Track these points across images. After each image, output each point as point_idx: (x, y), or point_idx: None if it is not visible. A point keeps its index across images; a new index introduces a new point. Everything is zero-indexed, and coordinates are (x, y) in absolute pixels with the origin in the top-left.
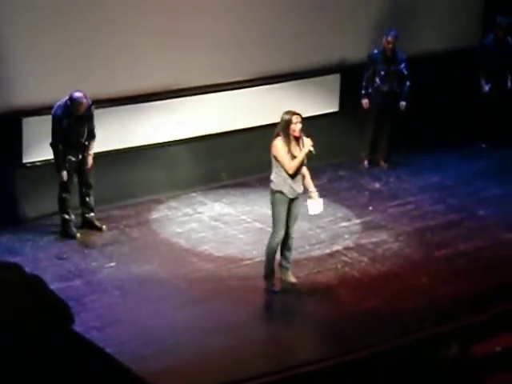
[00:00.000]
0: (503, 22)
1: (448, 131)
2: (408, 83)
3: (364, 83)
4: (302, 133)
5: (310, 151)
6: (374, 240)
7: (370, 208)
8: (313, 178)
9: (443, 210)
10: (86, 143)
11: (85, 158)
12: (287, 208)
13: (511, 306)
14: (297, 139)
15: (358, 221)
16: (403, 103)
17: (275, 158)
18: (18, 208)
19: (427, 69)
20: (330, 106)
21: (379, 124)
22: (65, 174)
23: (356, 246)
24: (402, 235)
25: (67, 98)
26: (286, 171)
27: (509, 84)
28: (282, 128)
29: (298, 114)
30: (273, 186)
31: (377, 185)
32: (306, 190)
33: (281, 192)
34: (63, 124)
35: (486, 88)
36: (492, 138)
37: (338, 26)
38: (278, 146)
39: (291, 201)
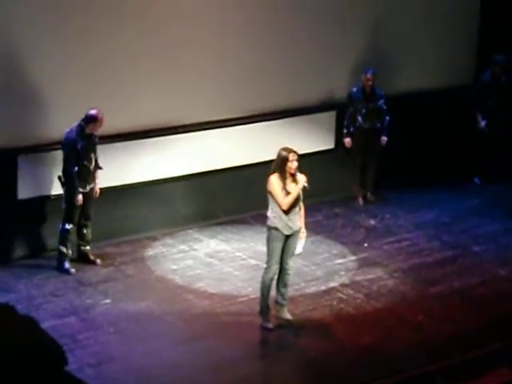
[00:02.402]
0: (500, 60)
1: (443, 168)
2: (387, 118)
3: (346, 122)
4: (297, 170)
5: (304, 187)
6: (369, 277)
7: (366, 245)
8: (308, 215)
9: (438, 246)
10: (93, 173)
11: (92, 188)
12: (283, 244)
13: (507, 342)
14: (292, 176)
15: (353, 257)
16: (384, 138)
17: (270, 193)
18: (12, 245)
19: (422, 106)
20: (326, 143)
21: (364, 161)
22: (80, 197)
23: (351, 282)
24: (398, 272)
25: (81, 120)
26: (280, 207)
27: (503, 119)
28: (278, 165)
29: (294, 152)
30: (269, 222)
31: (372, 222)
32: None
33: (276, 228)
34: (77, 146)
35: (483, 124)
36: (486, 174)
37: (334, 64)
38: (274, 182)
39: (287, 237)
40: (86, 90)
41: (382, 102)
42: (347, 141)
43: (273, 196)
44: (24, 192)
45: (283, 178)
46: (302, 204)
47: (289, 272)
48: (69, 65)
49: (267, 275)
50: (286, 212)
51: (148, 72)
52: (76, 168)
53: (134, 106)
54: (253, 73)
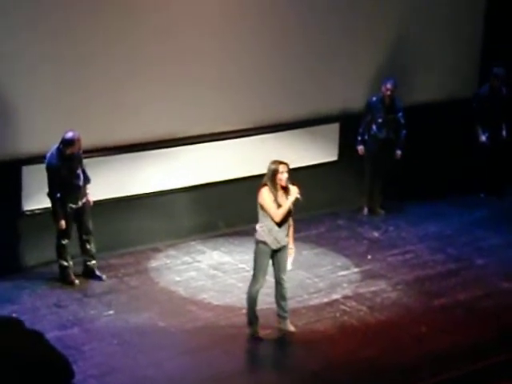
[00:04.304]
0: (499, 73)
1: (447, 180)
2: (404, 132)
3: (361, 130)
4: (289, 181)
5: (297, 199)
6: (372, 289)
7: (369, 257)
8: (311, 227)
9: (442, 259)
10: (83, 187)
11: (85, 203)
12: (272, 258)
13: (511, 355)
14: (284, 188)
15: (356, 270)
16: (399, 152)
17: (261, 207)
18: (16, 256)
19: (427, 119)
20: (329, 155)
21: (375, 171)
22: (63, 222)
23: (355, 294)
24: (401, 284)
25: (59, 144)
26: (272, 220)
27: (504, 133)
28: (268, 177)
29: (284, 164)
30: (257, 235)
31: (375, 234)
32: None
33: (264, 243)
34: (61, 172)
35: (483, 138)
36: (490, 187)
37: (337, 76)
38: (265, 194)
39: (276, 251)
40: (90, 100)
41: (400, 114)
42: (360, 148)
43: (264, 209)
44: (28, 203)
45: (274, 191)
46: (291, 220)
47: (285, 285)
48: (71, 75)
49: (254, 287)
50: (279, 224)
51: (150, 83)
52: (58, 194)
53: (136, 118)
54: (256, 85)
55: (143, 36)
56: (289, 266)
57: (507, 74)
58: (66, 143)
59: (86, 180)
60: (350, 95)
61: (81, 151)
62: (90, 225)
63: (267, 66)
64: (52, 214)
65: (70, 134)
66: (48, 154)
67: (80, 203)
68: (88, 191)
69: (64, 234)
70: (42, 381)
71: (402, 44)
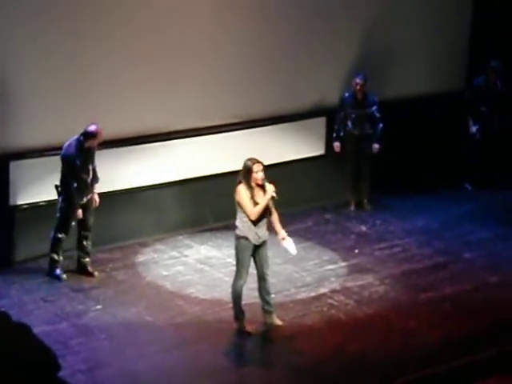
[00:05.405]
0: (496, 66)
1: (434, 174)
2: (381, 125)
3: (336, 126)
4: (265, 179)
5: (272, 197)
6: (360, 283)
7: (356, 251)
8: (299, 221)
9: (429, 253)
10: (90, 184)
11: (90, 199)
12: (254, 253)
13: (498, 349)
14: (260, 186)
15: (344, 264)
16: (376, 146)
17: (238, 204)
18: (4, 250)
19: (413, 112)
20: (316, 150)
21: (357, 167)
22: (80, 212)
23: (342, 288)
24: (388, 278)
25: (79, 135)
26: (248, 218)
27: (495, 126)
28: (243, 175)
29: (259, 163)
30: (238, 231)
31: (363, 228)
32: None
33: (246, 238)
34: (76, 163)
35: (474, 129)
36: (478, 179)
37: (324, 70)
38: (241, 192)
39: (257, 247)
40: (77, 95)
41: (374, 108)
42: (336, 145)
43: (241, 206)
44: (16, 198)
45: (250, 188)
46: (274, 210)
47: (269, 280)
48: (58, 71)
49: (238, 282)
50: (255, 222)
51: (138, 79)
52: (75, 184)
53: (124, 112)
54: (243, 79)
55: (131, 32)
56: (293, 251)
57: (502, 67)
58: (89, 135)
59: (95, 178)
60: (336, 89)
61: (95, 149)
62: (91, 222)
63: (254, 61)
64: (63, 202)
65: (93, 127)
66: (66, 145)
67: (85, 199)
68: (95, 190)
69: (63, 227)
70: (27, 373)
71: (390, 39)
